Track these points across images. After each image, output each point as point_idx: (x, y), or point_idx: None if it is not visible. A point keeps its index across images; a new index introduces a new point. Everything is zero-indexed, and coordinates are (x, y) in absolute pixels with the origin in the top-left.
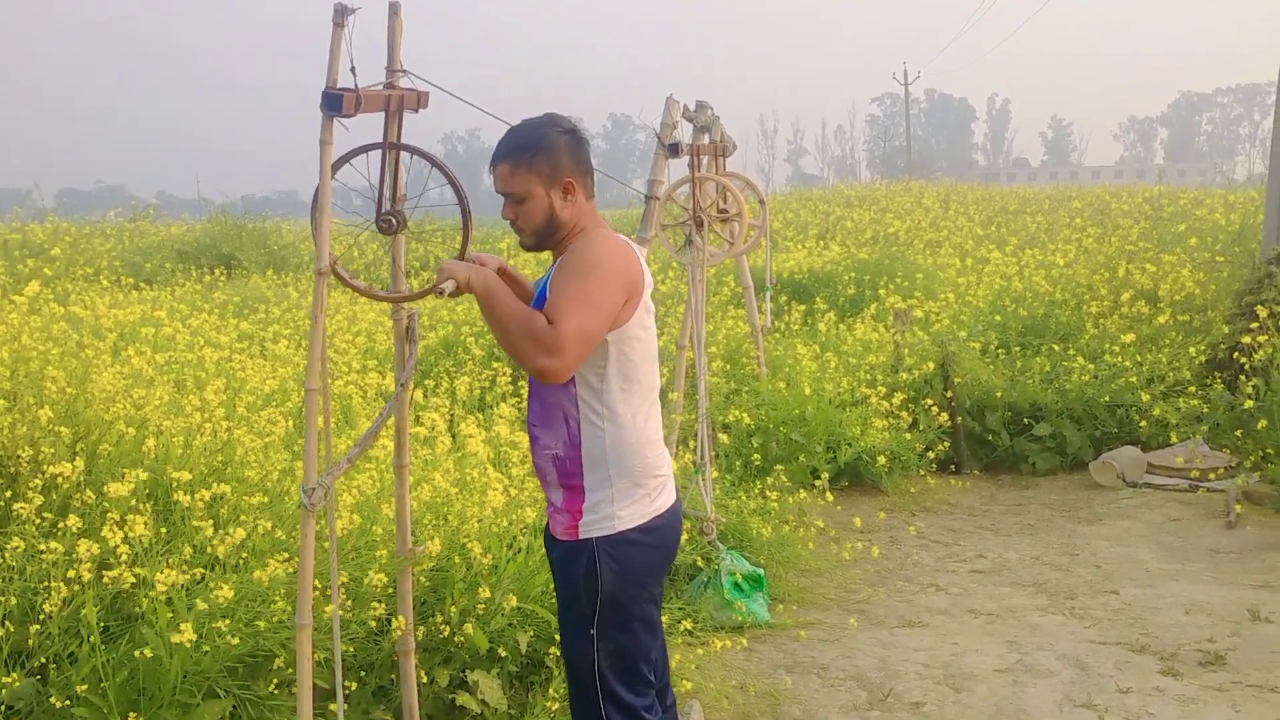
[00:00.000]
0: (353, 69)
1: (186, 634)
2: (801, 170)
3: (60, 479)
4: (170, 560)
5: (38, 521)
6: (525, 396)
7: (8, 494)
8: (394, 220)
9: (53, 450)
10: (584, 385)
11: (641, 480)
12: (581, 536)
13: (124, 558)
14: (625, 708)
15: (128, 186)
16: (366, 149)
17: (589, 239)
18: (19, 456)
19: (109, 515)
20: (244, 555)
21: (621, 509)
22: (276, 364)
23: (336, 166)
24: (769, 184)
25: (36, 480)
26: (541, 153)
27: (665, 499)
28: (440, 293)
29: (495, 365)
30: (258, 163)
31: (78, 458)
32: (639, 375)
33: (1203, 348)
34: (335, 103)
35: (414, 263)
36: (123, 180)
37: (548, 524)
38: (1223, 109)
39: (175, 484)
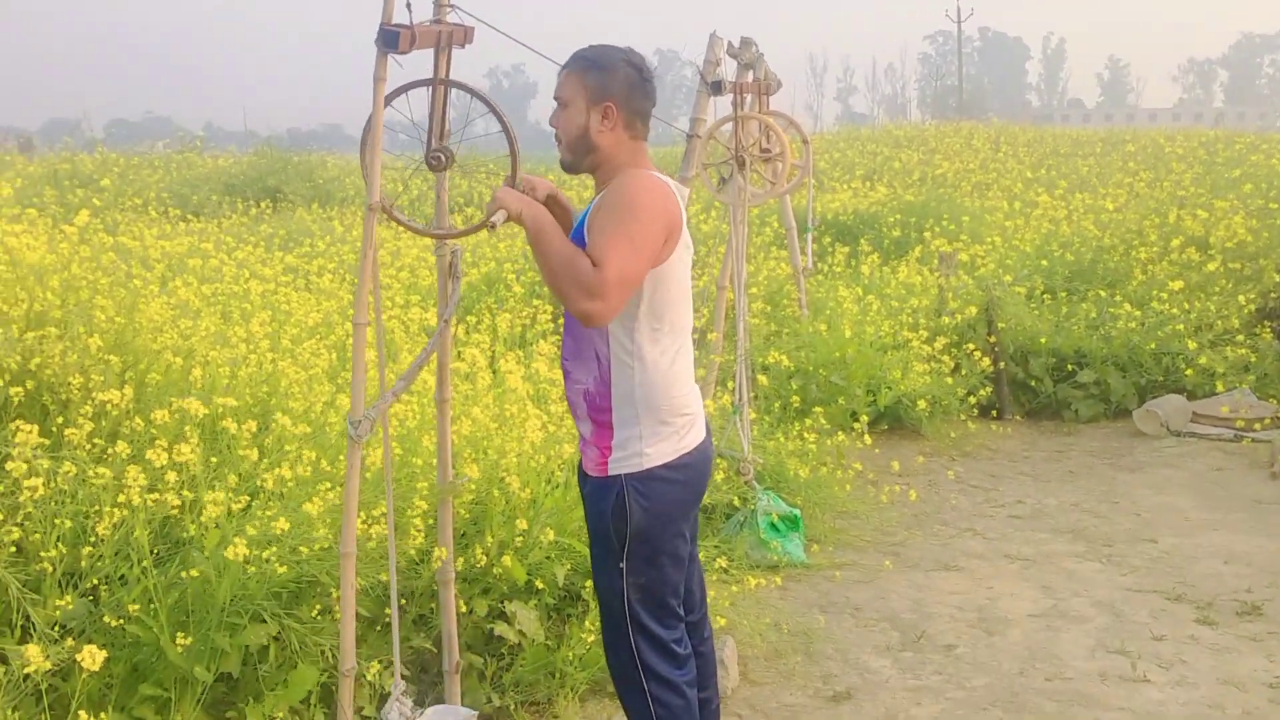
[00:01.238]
0: (409, 5)
1: (240, 549)
2: (851, 109)
3: (110, 406)
4: (217, 486)
5: (88, 447)
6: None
7: (59, 419)
8: (442, 157)
9: (102, 378)
10: (616, 323)
11: (669, 418)
12: (611, 473)
13: (171, 483)
14: (654, 639)
15: (176, 118)
16: (418, 84)
17: (629, 178)
18: (70, 384)
19: (157, 442)
20: (290, 484)
21: (650, 446)
22: (320, 297)
23: (387, 102)
24: (817, 123)
25: (86, 407)
26: (597, 69)
27: (694, 436)
28: (492, 226)
29: (536, 303)
30: (305, 97)
31: (126, 385)
32: (671, 315)
33: (1253, 296)
34: (393, 39)
35: (458, 199)
36: (171, 112)
37: (580, 459)
38: None
39: (223, 411)
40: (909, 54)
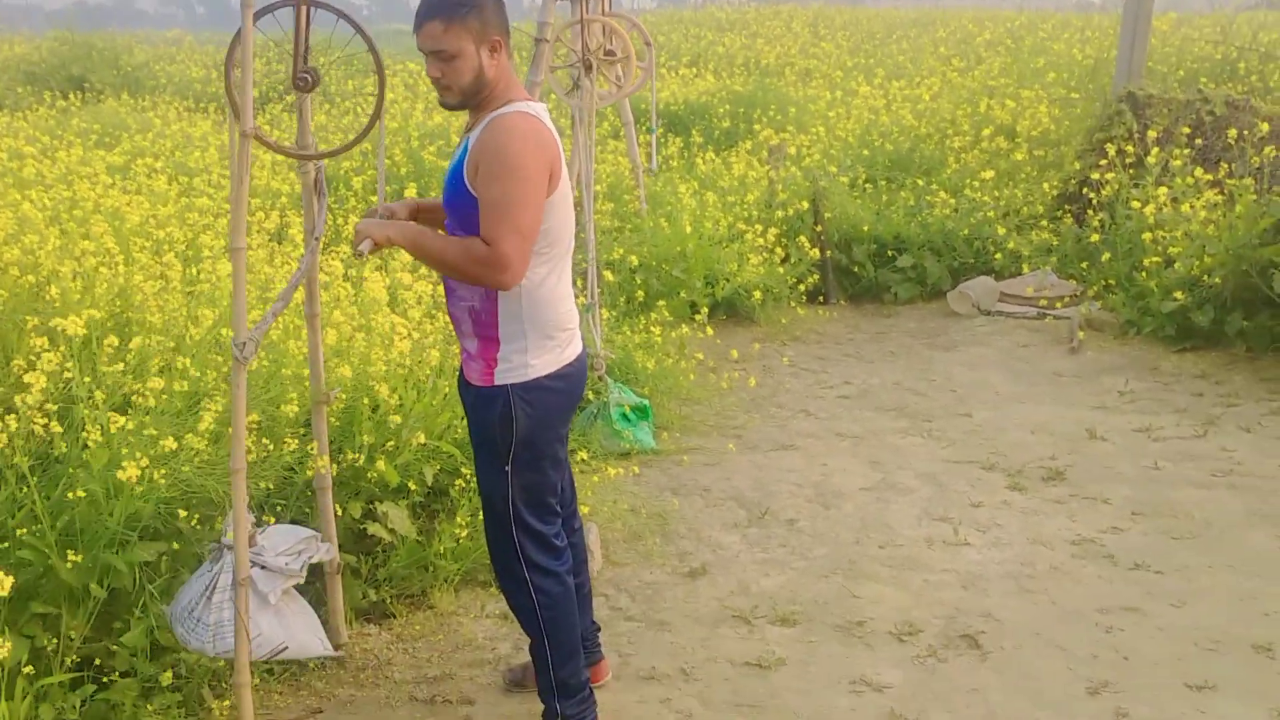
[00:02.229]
0: None
1: (133, 470)
2: None
3: None
4: (90, 404)
5: None
6: None
7: None
8: (309, 78)
9: None
10: None
11: (553, 333)
12: (497, 382)
13: (38, 402)
14: (535, 534)
15: None
16: (282, 5)
17: (505, 128)
18: None
19: (37, 362)
20: (163, 396)
21: (534, 358)
22: (155, 201)
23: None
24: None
25: None
26: (473, 10)
27: (574, 349)
28: (359, 255)
29: (374, 199)
30: None
31: None
32: (555, 237)
33: (1055, 183)
34: None
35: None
36: None
37: (460, 369)
38: None
39: (90, 328)
40: None
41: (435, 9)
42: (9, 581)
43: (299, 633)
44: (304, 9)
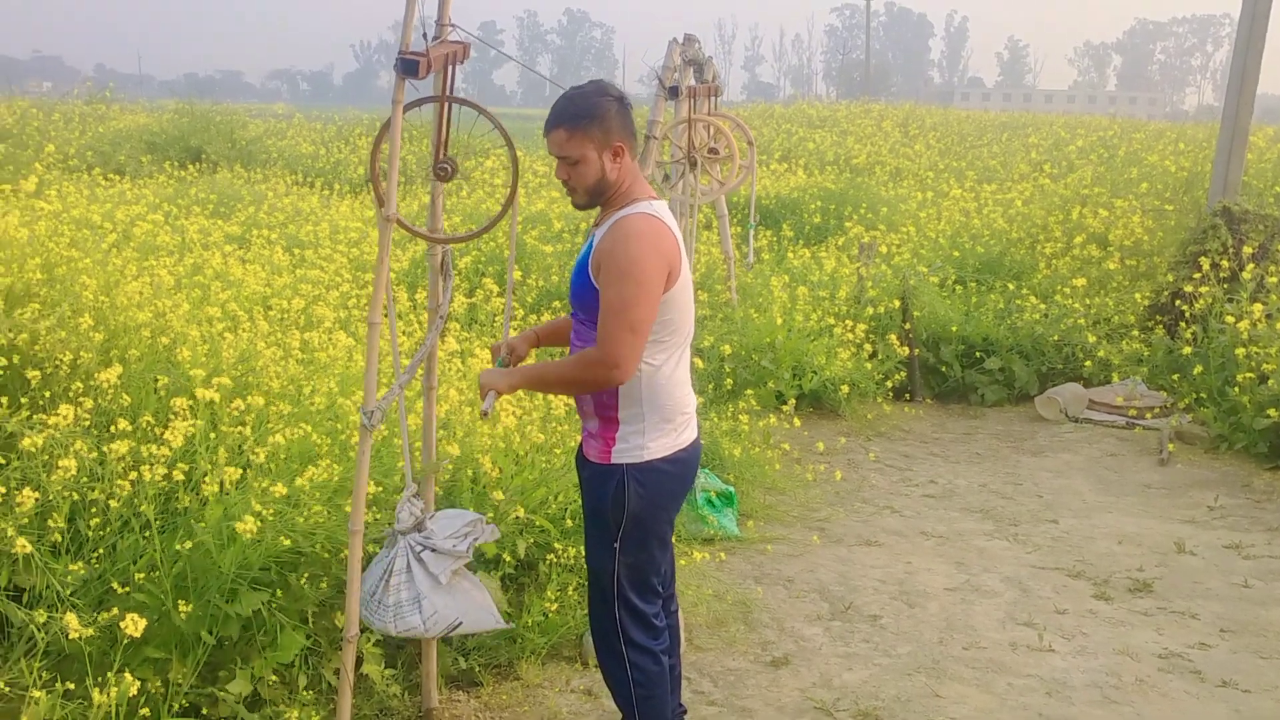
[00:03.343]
0: (425, 35)
1: (249, 525)
2: (757, 78)
3: (105, 384)
4: (213, 461)
5: (86, 422)
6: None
7: (46, 394)
8: (449, 167)
9: (90, 355)
10: None
11: (671, 416)
12: (614, 461)
13: (167, 459)
14: (637, 613)
15: (65, 57)
16: (424, 101)
17: (628, 229)
18: (60, 360)
19: (172, 423)
20: (283, 459)
21: (651, 440)
22: (271, 271)
23: (388, 124)
24: (725, 91)
25: (77, 384)
26: (595, 120)
27: (689, 434)
28: (485, 414)
29: (484, 279)
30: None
31: (113, 364)
32: (675, 327)
33: (1147, 293)
34: (412, 67)
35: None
36: (60, 50)
37: (580, 446)
38: (1177, 39)
39: (219, 391)
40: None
41: (560, 118)
42: (143, 624)
43: (471, 609)
44: (445, 105)
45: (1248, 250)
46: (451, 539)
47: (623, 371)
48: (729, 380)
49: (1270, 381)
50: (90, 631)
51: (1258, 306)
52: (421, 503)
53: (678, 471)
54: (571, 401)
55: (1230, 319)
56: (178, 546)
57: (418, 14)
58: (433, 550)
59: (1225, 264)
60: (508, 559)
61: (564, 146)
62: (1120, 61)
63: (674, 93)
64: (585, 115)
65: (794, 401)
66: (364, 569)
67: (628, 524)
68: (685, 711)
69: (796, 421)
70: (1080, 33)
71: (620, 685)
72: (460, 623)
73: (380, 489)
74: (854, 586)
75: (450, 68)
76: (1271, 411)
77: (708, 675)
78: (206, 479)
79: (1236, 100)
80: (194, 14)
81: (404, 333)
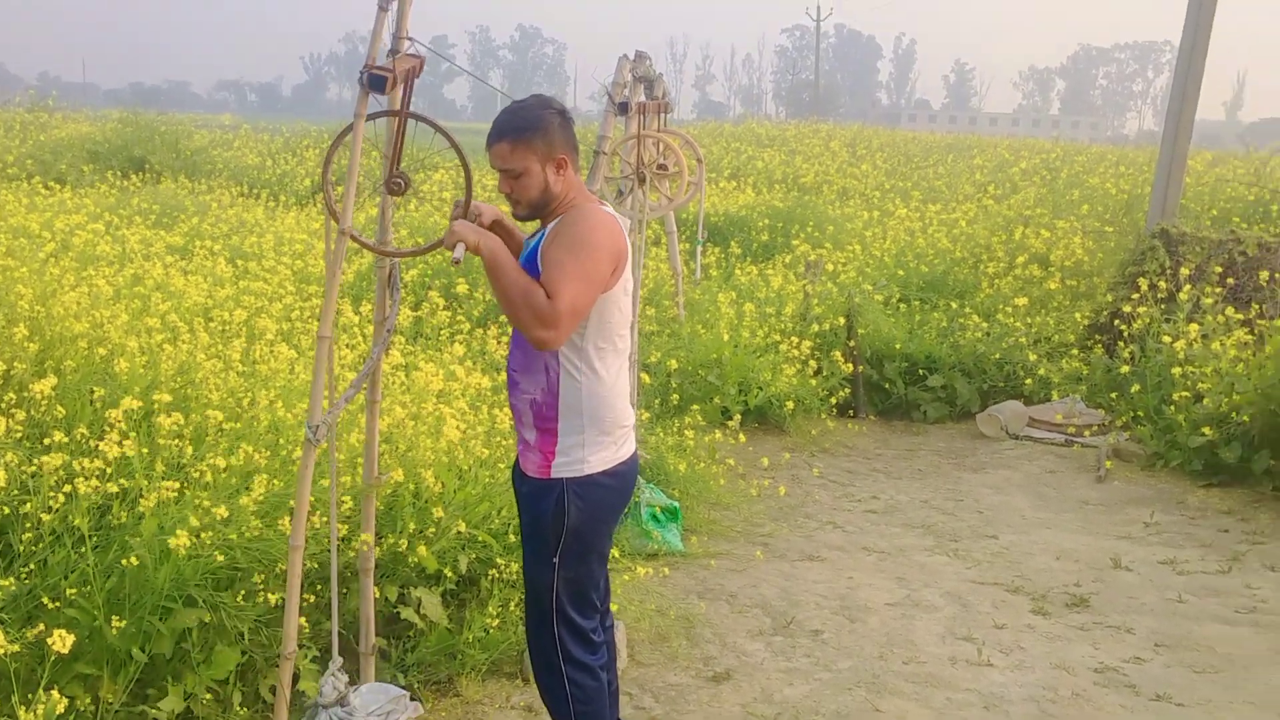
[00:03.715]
0: (390, 51)
1: (183, 539)
2: (708, 97)
3: (39, 395)
4: (151, 475)
5: (18, 433)
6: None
7: None
8: (401, 182)
9: (24, 366)
10: (566, 342)
11: (610, 430)
12: (554, 475)
13: (101, 472)
14: (576, 629)
15: (8, 64)
16: (383, 115)
17: (582, 213)
18: None
19: (107, 435)
20: (223, 474)
21: (591, 454)
22: (213, 283)
23: (341, 135)
24: (676, 110)
25: (10, 394)
26: (538, 133)
27: (628, 448)
28: (455, 261)
29: (430, 294)
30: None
31: (48, 375)
32: (616, 336)
33: (1087, 312)
34: (379, 82)
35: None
36: (3, 58)
37: (517, 460)
38: (1119, 64)
39: (156, 405)
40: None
41: (503, 131)
42: (71, 640)
43: None
44: (400, 120)
45: (1185, 271)
46: (374, 716)
47: (554, 336)
48: (675, 395)
49: (1205, 400)
50: (16, 648)
51: (1194, 326)
52: (345, 677)
53: (617, 485)
54: None
55: (1167, 339)
56: (122, 561)
57: (382, 28)
58: None
59: (1163, 285)
60: (449, 574)
61: (507, 159)
62: (1064, 86)
63: (624, 109)
64: (528, 128)
65: (739, 417)
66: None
67: (568, 539)
68: None
69: (742, 437)
70: (1025, 57)
71: (558, 702)
72: None
73: (315, 501)
74: (796, 601)
75: (409, 82)
76: (1206, 430)
77: (649, 690)
78: (143, 494)
79: (1176, 124)
80: (141, 24)
81: (348, 346)
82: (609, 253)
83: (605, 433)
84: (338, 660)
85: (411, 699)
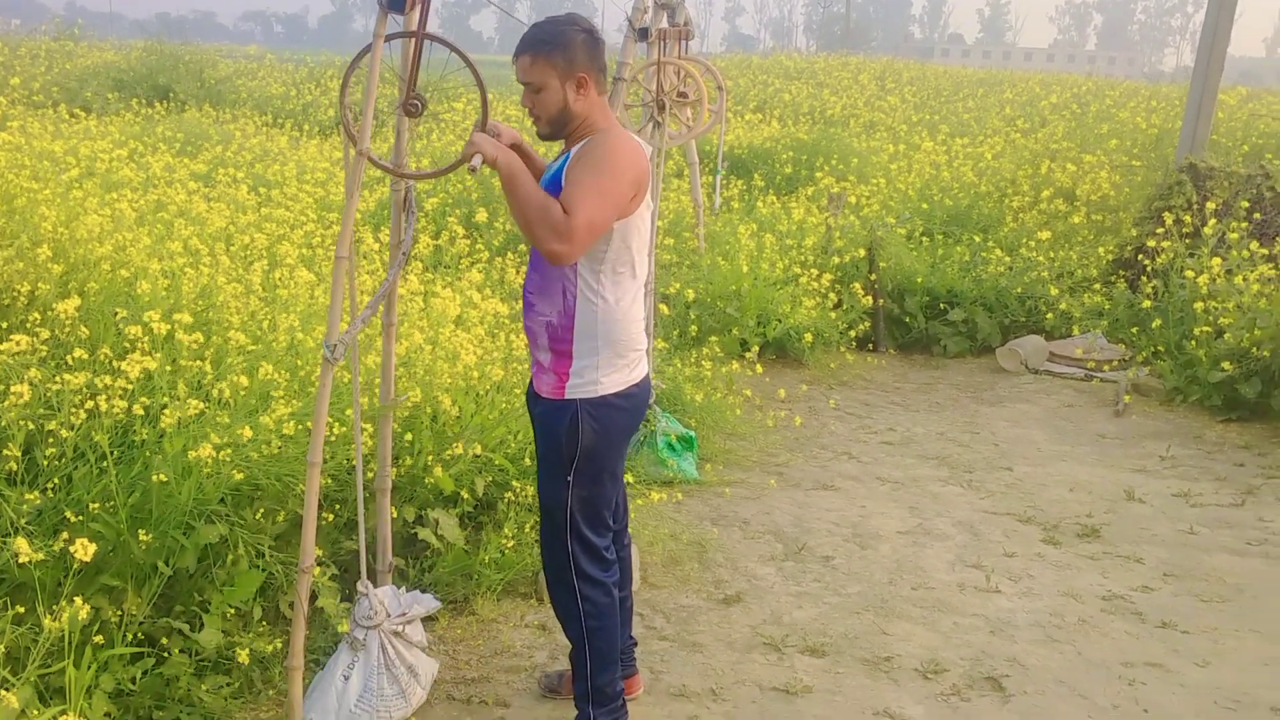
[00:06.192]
0: None
1: (206, 452)
2: (738, 30)
3: (63, 315)
4: (172, 394)
5: (42, 352)
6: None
7: (3, 324)
8: (418, 104)
9: (49, 288)
10: (584, 264)
11: (624, 353)
12: (568, 396)
13: (125, 390)
14: (589, 546)
15: None
16: (401, 35)
17: (606, 135)
18: (17, 291)
19: (130, 354)
20: (243, 394)
21: (605, 376)
22: (235, 209)
23: (359, 57)
24: (704, 42)
25: (35, 314)
26: (559, 48)
27: (640, 370)
28: (472, 169)
29: (449, 220)
30: None
31: (71, 296)
32: (634, 261)
33: (1111, 247)
34: (400, 3)
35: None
36: None
37: (531, 381)
38: None
39: (177, 326)
40: None
41: (526, 44)
42: (93, 548)
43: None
44: (416, 41)
45: (1211, 206)
46: (406, 622)
47: (569, 251)
48: (694, 327)
49: (1226, 336)
50: (40, 556)
51: (1217, 261)
52: (373, 589)
53: (630, 406)
54: None
55: (1190, 274)
56: (153, 476)
57: None
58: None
59: (1189, 220)
60: (466, 497)
61: (528, 72)
62: (1101, 21)
63: (644, 34)
64: (549, 42)
65: (758, 349)
66: (320, 501)
67: (581, 458)
68: (636, 644)
69: (759, 369)
70: None
71: (571, 617)
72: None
73: (335, 421)
74: (808, 529)
75: (425, 4)
76: (1226, 365)
77: (660, 611)
78: (165, 412)
79: (1208, 57)
80: None
81: (368, 271)
82: (631, 175)
83: (619, 355)
84: (366, 583)
85: (425, 591)
